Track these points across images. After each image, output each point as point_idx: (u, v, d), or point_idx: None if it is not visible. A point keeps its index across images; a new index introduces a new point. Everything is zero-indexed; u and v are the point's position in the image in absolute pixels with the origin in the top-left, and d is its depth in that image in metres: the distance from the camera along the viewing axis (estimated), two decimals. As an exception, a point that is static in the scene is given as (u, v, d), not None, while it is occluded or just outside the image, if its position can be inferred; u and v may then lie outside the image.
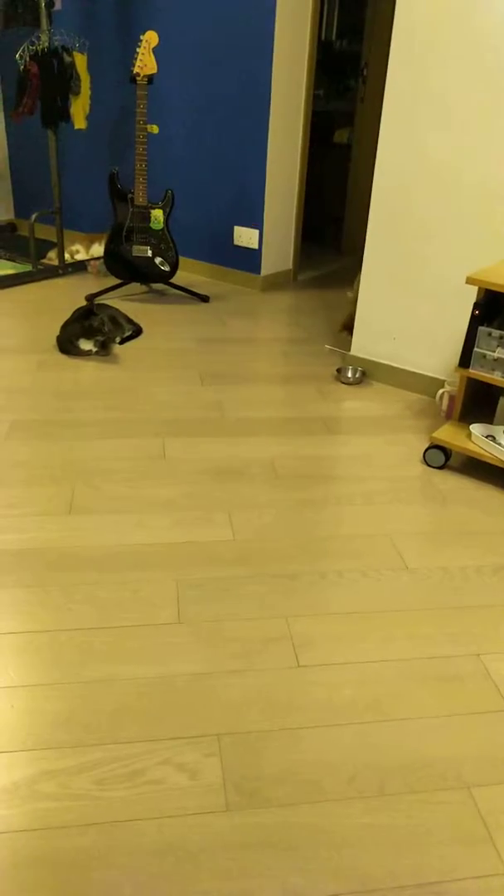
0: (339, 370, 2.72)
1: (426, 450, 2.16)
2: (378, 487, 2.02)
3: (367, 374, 2.72)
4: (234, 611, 1.52)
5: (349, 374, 2.69)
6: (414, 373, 2.62)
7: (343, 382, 2.69)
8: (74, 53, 3.34)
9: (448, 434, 2.12)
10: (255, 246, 3.70)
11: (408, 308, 2.56)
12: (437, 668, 1.41)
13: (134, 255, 3.31)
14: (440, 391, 2.45)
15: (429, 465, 2.15)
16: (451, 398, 2.38)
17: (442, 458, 2.13)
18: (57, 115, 3.42)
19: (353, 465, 2.14)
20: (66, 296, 3.46)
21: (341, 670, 1.38)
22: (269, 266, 3.78)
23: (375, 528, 1.83)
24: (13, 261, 3.95)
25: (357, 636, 1.47)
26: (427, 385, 2.60)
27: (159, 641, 1.43)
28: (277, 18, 3.21)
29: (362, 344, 2.73)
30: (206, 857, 1.05)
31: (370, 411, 2.48)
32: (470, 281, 1.97)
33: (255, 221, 3.64)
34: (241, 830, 1.09)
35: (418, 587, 1.63)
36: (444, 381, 2.53)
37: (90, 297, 3.41)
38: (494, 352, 1.99)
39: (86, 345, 2.76)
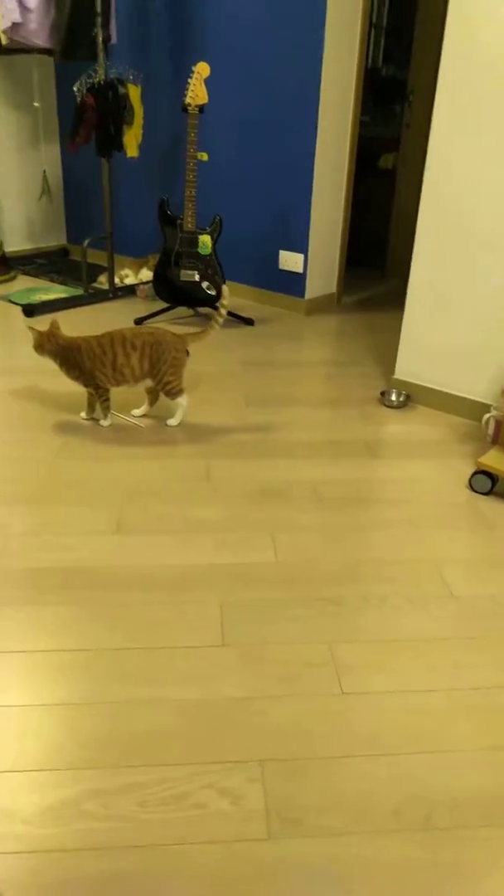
0: (382, 393, 2.71)
1: (472, 475, 2.13)
2: (423, 512, 2.00)
3: (412, 397, 2.70)
4: (277, 634, 1.52)
5: (393, 398, 2.68)
6: (459, 397, 2.60)
7: (387, 406, 2.68)
8: (129, 85, 3.45)
9: (494, 459, 2.09)
10: (300, 270, 3.73)
11: (454, 331, 2.55)
12: (483, 699, 1.38)
13: (181, 279, 3.37)
14: (486, 416, 2.41)
15: (475, 491, 2.12)
16: (498, 423, 2.35)
17: (488, 483, 2.10)
18: (111, 144, 3.53)
19: (397, 489, 2.12)
20: (115, 319, 3.55)
21: (385, 699, 1.37)
22: (313, 290, 3.81)
23: (420, 554, 1.81)
24: (66, 284, 4.07)
25: (401, 664, 1.46)
26: (473, 409, 2.57)
27: (203, 663, 1.43)
28: (326, 47, 3.27)
29: (407, 367, 2.72)
30: (248, 885, 1.04)
31: (414, 435, 2.47)
32: (519, 306, 1.95)
33: (301, 246, 3.68)
34: (283, 859, 1.08)
35: (464, 615, 1.60)
36: (490, 406, 2.50)
37: (139, 321, 3.48)
38: (544, 377, 1.96)
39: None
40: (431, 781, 1.21)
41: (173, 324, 3.49)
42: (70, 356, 2.31)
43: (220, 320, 2.38)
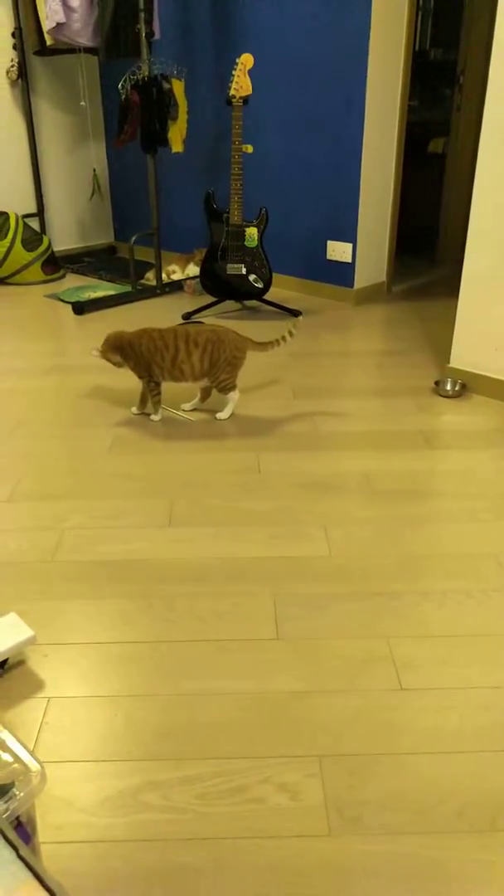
0: (437, 382, 2.64)
1: (533, 465, 2.06)
2: (481, 505, 1.94)
3: (468, 386, 2.63)
4: (332, 629, 1.49)
5: (448, 387, 2.61)
6: (517, 385, 2.52)
7: (442, 395, 2.61)
8: (173, 80, 3.45)
9: None
10: (349, 260, 3.68)
11: (511, 318, 2.46)
12: (551, 697, 1.32)
13: (228, 273, 3.36)
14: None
15: (536, 482, 2.05)
16: None
17: (550, 474, 2.02)
18: (156, 140, 3.54)
19: (454, 480, 2.06)
20: (163, 315, 3.56)
21: (447, 695, 1.33)
22: (362, 279, 3.75)
23: (480, 548, 1.76)
24: (114, 282, 4.11)
25: (463, 660, 1.41)
26: (532, 398, 2.49)
27: (258, 657, 1.42)
28: (372, 33, 3.20)
29: (462, 355, 2.64)
30: (307, 882, 1.02)
31: (471, 425, 2.40)
32: None
33: (349, 235, 3.62)
34: (343, 856, 1.06)
35: (528, 610, 1.55)
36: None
37: (186, 316, 3.49)
38: None
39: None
40: (498, 782, 1.17)
41: (221, 318, 3.48)
42: (126, 348, 2.32)
43: (288, 340, 2.39)
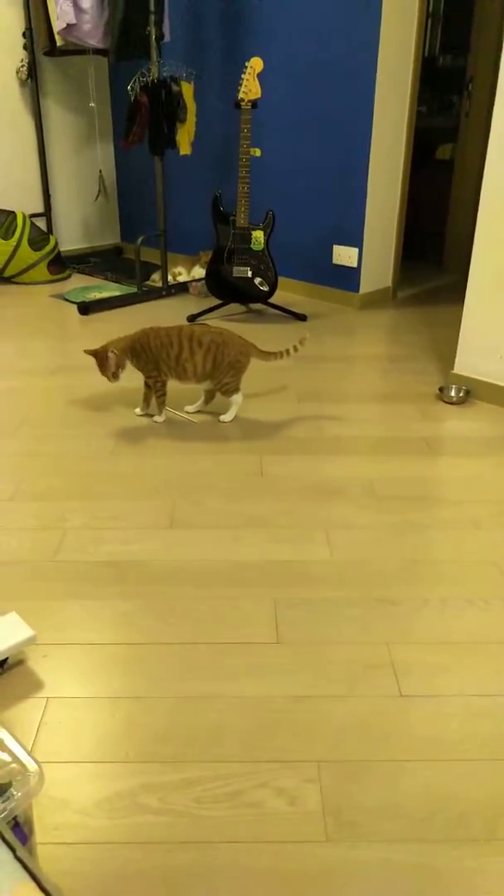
0: (441, 389, 2.64)
1: (536, 473, 2.05)
2: (484, 512, 1.94)
3: (472, 393, 2.63)
4: (332, 634, 1.49)
5: (452, 393, 2.61)
6: (522, 392, 2.51)
7: (446, 402, 2.61)
8: (182, 82, 3.46)
9: None
10: (354, 264, 3.68)
11: (516, 325, 2.46)
12: (551, 706, 1.32)
13: (234, 276, 3.37)
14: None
15: (539, 490, 2.04)
16: None
17: (554, 482, 2.02)
18: (164, 142, 3.55)
19: (458, 487, 2.06)
20: (168, 316, 3.57)
21: (447, 703, 1.32)
22: (367, 284, 3.75)
23: (482, 555, 1.75)
24: (119, 283, 4.12)
25: (463, 668, 1.41)
26: (536, 405, 2.48)
27: (258, 661, 1.42)
28: (382, 38, 3.20)
29: (467, 362, 2.64)
30: (303, 887, 1.02)
31: (476, 432, 2.39)
32: None
33: (355, 240, 3.63)
34: (341, 864, 1.05)
35: (529, 619, 1.54)
36: None
37: (191, 318, 3.49)
38: None
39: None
40: (498, 791, 1.16)
41: (226, 320, 3.49)
42: (136, 348, 2.31)
43: (292, 353, 2.40)
